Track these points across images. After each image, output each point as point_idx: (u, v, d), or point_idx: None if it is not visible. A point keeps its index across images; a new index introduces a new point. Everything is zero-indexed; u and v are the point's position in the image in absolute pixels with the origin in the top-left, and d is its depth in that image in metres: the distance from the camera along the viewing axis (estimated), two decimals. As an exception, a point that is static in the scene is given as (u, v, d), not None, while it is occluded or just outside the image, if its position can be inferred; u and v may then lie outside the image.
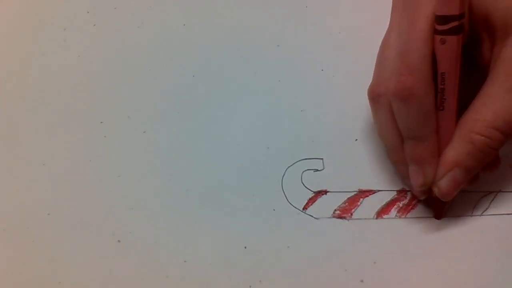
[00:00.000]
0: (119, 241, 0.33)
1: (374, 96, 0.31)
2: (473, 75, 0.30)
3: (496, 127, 0.28)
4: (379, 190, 0.34)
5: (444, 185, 0.30)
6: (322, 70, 0.38)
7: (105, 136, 0.36)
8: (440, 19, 0.28)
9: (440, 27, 0.28)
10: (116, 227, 0.33)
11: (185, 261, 0.32)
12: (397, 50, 0.29)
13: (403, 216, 0.33)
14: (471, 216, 0.33)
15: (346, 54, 0.38)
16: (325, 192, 0.34)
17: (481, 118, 0.29)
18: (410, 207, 0.33)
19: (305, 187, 0.34)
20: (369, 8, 0.40)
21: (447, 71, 0.28)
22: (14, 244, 0.33)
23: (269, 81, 0.38)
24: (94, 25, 0.41)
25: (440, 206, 0.32)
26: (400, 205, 0.33)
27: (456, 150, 0.29)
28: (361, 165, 0.34)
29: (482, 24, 0.29)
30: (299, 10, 0.40)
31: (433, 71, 0.29)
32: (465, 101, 0.30)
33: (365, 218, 0.33)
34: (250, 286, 0.31)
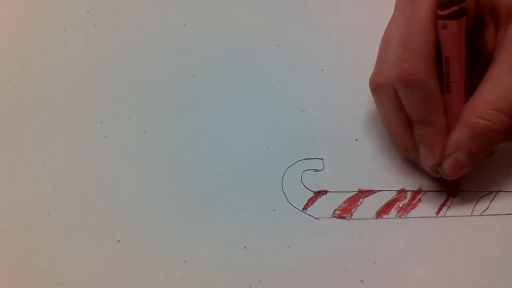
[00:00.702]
0: (119, 241, 0.33)
1: (376, 85, 0.31)
2: (480, 61, 0.30)
3: (499, 109, 0.28)
4: (379, 190, 0.34)
5: (446, 166, 0.30)
6: (322, 70, 0.38)
7: (105, 136, 0.36)
8: (442, 4, 0.28)
9: (441, 12, 0.28)
10: (116, 227, 0.33)
11: (185, 261, 0.32)
12: (400, 38, 0.29)
13: (403, 216, 0.33)
14: (471, 216, 0.33)
15: (346, 54, 0.38)
16: (325, 192, 0.34)
17: (484, 101, 0.29)
18: (410, 207, 0.33)
19: (305, 187, 0.34)
20: (369, 8, 0.40)
21: (450, 55, 0.29)
22: (14, 244, 0.33)
23: (269, 81, 0.38)
24: (94, 25, 0.41)
25: (453, 184, 0.33)
26: (400, 205, 0.33)
27: (458, 134, 0.30)
28: (361, 165, 0.34)
29: (487, 9, 0.29)
30: (299, 10, 0.40)
31: (437, 55, 0.29)
32: (472, 87, 0.30)
33: (365, 218, 0.33)
34: (250, 286, 0.31)
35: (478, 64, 0.30)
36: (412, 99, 0.30)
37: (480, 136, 0.29)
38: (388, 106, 0.31)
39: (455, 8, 0.28)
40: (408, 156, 0.34)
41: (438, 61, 0.29)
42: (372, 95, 0.32)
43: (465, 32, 0.29)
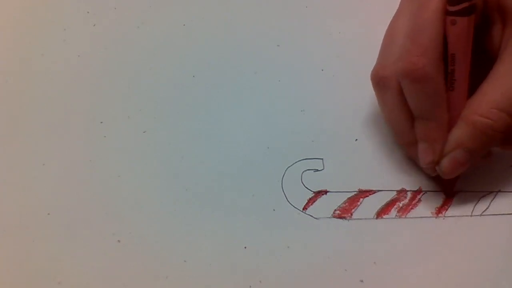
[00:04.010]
0: (119, 241, 0.33)
1: (380, 79, 0.31)
2: (484, 59, 0.30)
3: (502, 108, 0.28)
4: (379, 190, 0.34)
5: (445, 164, 0.30)
6: (322, 70, 0.38)
7: (105, 136, 0.36)
8: (452, 0, 0.28)
9: (451, 8, 0.28)
10: (116, 227, 0.33)
11: (185, 261, 0.32)
12: (406, 32, 0.29)
13: (403, 216, 0.33)
14: (471, 216, 0.33)
15: (346, 54, 0.38)
16: (325, 192, 0.34)
17: (486, 100, 0.29)
18: (410, 207, 0.33)
19: (305, 187, 0.34)
20: (369, 8, 0.40)
21: (457, 52, 0.29)
22: (14, 244, 0.33)
23: (269, 81, 0.38)
24: (94, 25, 0.41)
25: (449, 183, 0.33)
26: (400, 205, 0.33)
27: (459, 131, 0.30)
28: (361, 165, 0.34)
29: (495, 6, 0.29)
30: (299, 10, 0.40)
31: (444, 52, 0.29)
32: (473, 85, 0.30)
33: (365, 218, 0.33)
34: (250, 286, 0.31)
35: (481, 61, 0.30)
36: (418, 93, 0.29)
37: (481, 134, 0.29)
38: (391, 100, 0.31)
39: (465, 4, 0.28)
40: (408, 151, 0.33)
41: (444, 57, 0.29)
42: (374, 89, 0.32)
43: (473, 30, 0.28)
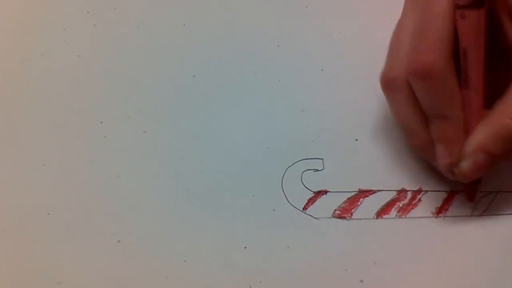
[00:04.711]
0: (119, 241, 0.33)
1: (389, 80, 0.30)
2: (498, 60, 0.29)
3: None
4: (379, 190, 0.34)
5: (465, 167, 0.29)
6: (322, 70, 0.38)
7: (105, 136, 0.36)
8: None
9: (460, 2, 0.27)
10: (116, 227, 0.33)
11: (185, 261, 0.32)
12: (414, 30, 0.28)
13: (403, 216, 0.33)
14: (471, 216, 0.33)
15: (346, 54, 0.38)
16: (325, 192, 0.34)
17: None
18: (410, 207, 0.33)
19: (305, 187, 0.34)
20: (369, 8, 0.40)
21: (468, 47, 0.28)
22: (14, 244, 0.33)
23: (269, 81, 0.38)
24: (94, 25, 0.41)
25: (471, 188, 0.32)
26: (400, 205, 0.33)
27: (483, 134, 0.28)
28: (361, 165, 0.34)
29: (502, 5, 0.28)
30: (299, 10, 0.40)
31: (455, 47, 0.28)
32: (491, 87, 0.29)
33: (365, 218, 0.33)
34: (250, 286, 0.31)
35: (496, 66, 0.29)
36: (429, 92, 0.28)
37: (508, 138, 0.28)
38: (402, 101, 0.30)
39: None
40: (423, 154, 0.32)
41: (456, 55, 0.28)
42: (384, 91, 0.31)
43: (484, 24, 0.27)
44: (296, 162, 0.35)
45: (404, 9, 0.30)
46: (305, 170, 0.34)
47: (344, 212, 0.33)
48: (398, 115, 0.32)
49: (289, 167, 0.35)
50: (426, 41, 0.27)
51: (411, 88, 0.29)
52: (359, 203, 0.33)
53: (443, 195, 0.33)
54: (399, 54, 0.29)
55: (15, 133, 0.37)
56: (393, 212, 0.33)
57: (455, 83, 0.28)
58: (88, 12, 0.42)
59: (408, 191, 0.33)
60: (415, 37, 0.28)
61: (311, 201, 0.34)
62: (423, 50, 0.27)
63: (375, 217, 0.33)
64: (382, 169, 0.34)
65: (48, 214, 0.34)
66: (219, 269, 0.32)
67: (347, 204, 0.33)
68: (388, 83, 0.30)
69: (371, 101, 0.36)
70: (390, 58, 0.31)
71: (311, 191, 0.34)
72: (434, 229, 0.32)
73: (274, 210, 0.33)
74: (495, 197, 0.33)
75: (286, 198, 0.34)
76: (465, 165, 0.29)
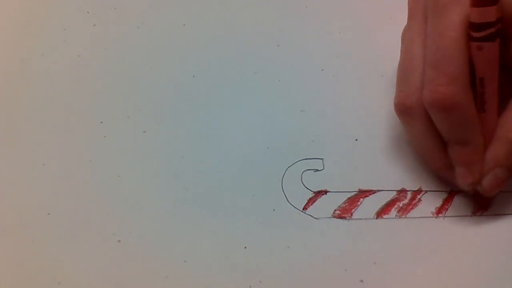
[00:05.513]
0: (119, 241, 0.33)
1: (405, 109, 0.31)
2: (505, 75, 0.30)
3: None
4: (379, 190, 0.34)
5: (486, 184, 0.30)
6: (322, 70, 0.38)
7: (105, 136, 0.36)
8: (476, 26, 0.27)
9: (476, 34, 0.27)
10: (116, 227, 0.33)
11: (185, 261, 0.32)
12: (428, 59, 0.29)
13: (403, 216, 0.33)
14: (471, 216, 0.33)
15: (346, 54, 0.38)
16: (325, 192, 0.34)
17: None
18: (410, 207, 0.33)
19: (305, 187, 0.34)
20: (369, 8, 0.40)
21: (486, 76, 0.28)
22: (14, 244, 0.33)
23: (269, 81, 0.38)
24: (94, 25, 0.41)
25: (486, 199, 0.32)
26: (400, 205, 0.33)
27: (496, 150, 0.30)
28: (361, 165, 0.34)
29: (509, 23, 0.29)
30: (299, 10, 0.40)
31: (471, 76, 0.28)
32: (500, 101, 0.30)
33: (365, 218, 0.33)
34: (250, 286, 0.31)
35: (503, 81, 0.29)
36: (449, 122, 0.29)
37: None
38: (419, 128, 0.31)
39: (492, 30, 0.27)
40: (442, 175, 0.33)
41: (471, 80, 0.29)
42: (400, 118, 0.32)
43: (498, 52, 0.28)
44: (296, 162, 0.35)
45: (409, 32, 0.30)
46: (305, 170, 0.34)
47: (344, 212, 0.33)
48: (414, 140, 0.32)
49: (289, 167, 0.35)
50: (444, 73, 0.28)
51: (428, 115, 0.30)
52: (359, 203, 0.33)
53: (443, 195, 0.33)
54: (413, 81, 0.30)
55: (15, 133, 0.37)
56: (393, 212, 0.33)
57: (474, 111, 0.29)
58: (88, 12, 0.42)
59: (408, 191, 0.33)
60: (430, 69, 0.28)
61: (311, 201, 0.34)
62: (442, 83, 0.28)
63: (375, 217, 0.33)
64: (382, 169, 0.34)
65: (48, 214, 0.34)
66: (219, 269, 0.32)
67: (347, 204, 0.33)
68: (404, 111, 0.31)
69: (371, 101, 0.36)
70: (402, 84, 0.31)
71: (311, 191, 0.34)
72: (434, 229, 0.32)
73: (274, 210, 0.33)
74: (495, 197, 0.33)
75: (286, 198, 0.34)
76: (487, 181, 0.30)
